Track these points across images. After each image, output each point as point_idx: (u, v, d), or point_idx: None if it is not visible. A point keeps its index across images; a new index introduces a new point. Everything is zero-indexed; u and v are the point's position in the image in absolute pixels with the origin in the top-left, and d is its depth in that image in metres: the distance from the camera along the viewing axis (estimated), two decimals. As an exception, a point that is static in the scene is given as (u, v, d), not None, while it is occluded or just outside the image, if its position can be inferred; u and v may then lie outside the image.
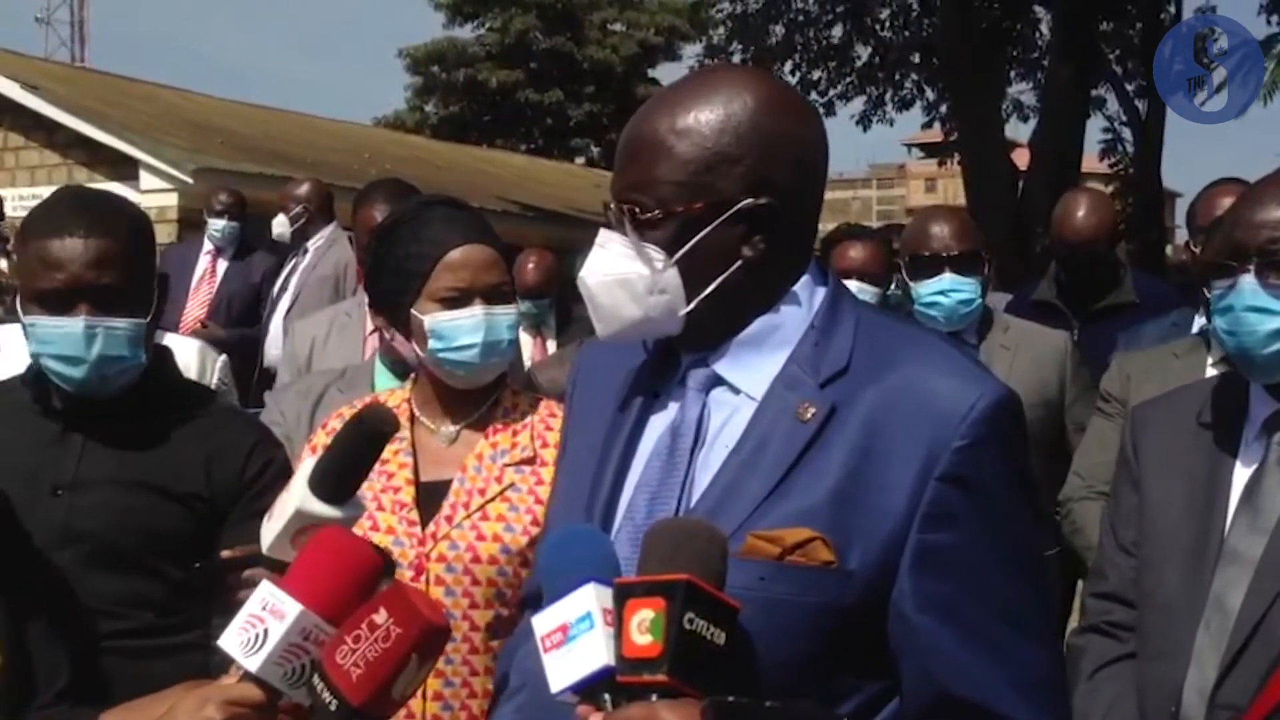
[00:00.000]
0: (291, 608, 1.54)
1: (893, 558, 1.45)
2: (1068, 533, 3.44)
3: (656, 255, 1.53)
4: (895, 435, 1.46)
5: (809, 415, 1.48)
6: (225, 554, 2.06)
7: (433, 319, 2.38)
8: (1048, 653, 1.52)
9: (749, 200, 1.52)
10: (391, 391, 2.58)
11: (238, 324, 7.00)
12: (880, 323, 1.60)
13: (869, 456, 1.46)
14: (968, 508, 1.45)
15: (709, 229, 1.52)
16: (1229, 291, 2.09)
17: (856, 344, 1.53)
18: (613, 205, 1.57)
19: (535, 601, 1.77)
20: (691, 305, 1.54)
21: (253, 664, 1.54)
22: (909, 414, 1.46)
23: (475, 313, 2.37)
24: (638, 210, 1.54)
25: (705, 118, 1.53)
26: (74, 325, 2.17)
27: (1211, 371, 3.28)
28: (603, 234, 1.58)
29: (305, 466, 1.74)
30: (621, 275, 1.55)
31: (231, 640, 1.56)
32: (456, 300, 2.38)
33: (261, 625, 1.54)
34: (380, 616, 1.50)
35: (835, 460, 1.46)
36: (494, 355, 2.40)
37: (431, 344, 2.39)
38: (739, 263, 1.54)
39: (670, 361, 1.63)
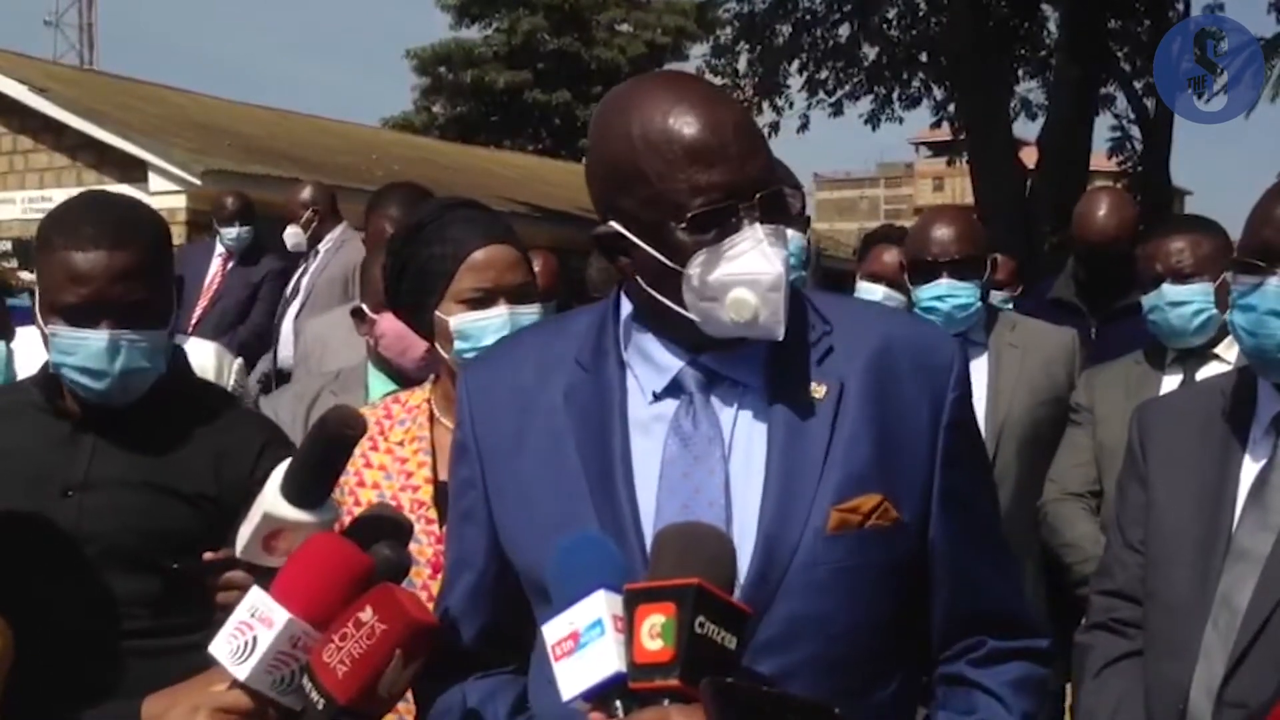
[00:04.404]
0: (280, 615, 1.54)
1: (927, 502, 1.58)
2: (1045, 534, 3.57)
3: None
4: (903, 391, 1.59)
5: (822, 393, 1.57)
6: (207, 556, 2.05)
7: (458, 320, 2.37)
8: (1020, 566, 1.83)
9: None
10: (412, 392, 2.57)
11: (229, 327, 6.99)
12: (822, 298, 1.69)
13: (887, 416, 1.57)
14: (965, 448, 1.64)
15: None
16: (1253, 291, 2.04)
17: (828, 320, 1.62)
18: (748, 201, 1.51)
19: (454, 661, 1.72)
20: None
21: (242, 672, 1.55)
22: (907, 370, 1.59)
23: (500, 312, 2.36)
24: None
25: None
26: (98, 340, 2.13)
27: (1169, 377, 3.48)
28: (752, 230, 1.51)
29: (278, 470, 1.73)
30: (781, 271, 1.53)
31: (221, 647, 1.56)
32: (480, 301, 2.37)
33: (250, 633, 1.54)
34: (366, 614, 1.50)
35: (862, 427, 1.56)
36: None
37: (457, 345, 2.38)
38: None
39: (619, 373, 1.63)
